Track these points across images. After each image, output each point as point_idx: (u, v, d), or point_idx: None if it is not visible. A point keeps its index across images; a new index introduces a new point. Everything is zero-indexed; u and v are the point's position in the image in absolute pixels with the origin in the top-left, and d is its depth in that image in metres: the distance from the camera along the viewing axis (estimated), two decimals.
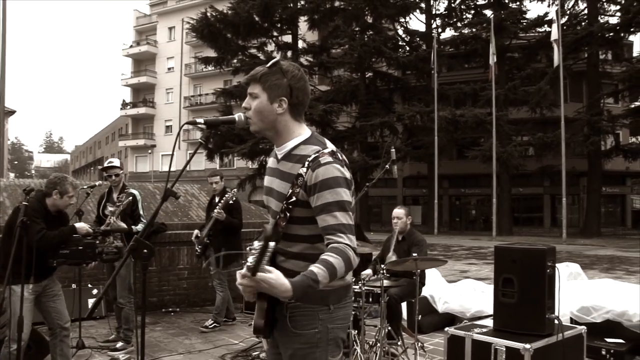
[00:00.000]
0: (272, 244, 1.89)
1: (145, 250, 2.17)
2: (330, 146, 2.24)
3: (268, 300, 2.12)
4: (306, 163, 2.16)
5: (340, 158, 2.22)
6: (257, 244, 1.94)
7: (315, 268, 1.99)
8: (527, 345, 3.90)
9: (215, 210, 6.69)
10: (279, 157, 2.30)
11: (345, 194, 2.14)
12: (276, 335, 2.26)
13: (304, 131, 2.30)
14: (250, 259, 1.93)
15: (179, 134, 2.44)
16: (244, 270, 1.94)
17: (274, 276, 1.93)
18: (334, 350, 2.25)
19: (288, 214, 2.18)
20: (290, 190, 2.17)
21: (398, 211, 5.81)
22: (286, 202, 2.18)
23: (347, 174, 2.20)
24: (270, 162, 2.39)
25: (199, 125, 2.25)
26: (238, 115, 2.26)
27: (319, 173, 2.11)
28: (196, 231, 7.13)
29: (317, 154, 2.16)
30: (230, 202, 6.79)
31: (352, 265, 2.09)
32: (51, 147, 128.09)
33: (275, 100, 2.21)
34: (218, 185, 7.08)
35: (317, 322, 2.18)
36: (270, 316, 2.16)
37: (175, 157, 46.35)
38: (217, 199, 7.04)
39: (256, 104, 2.22)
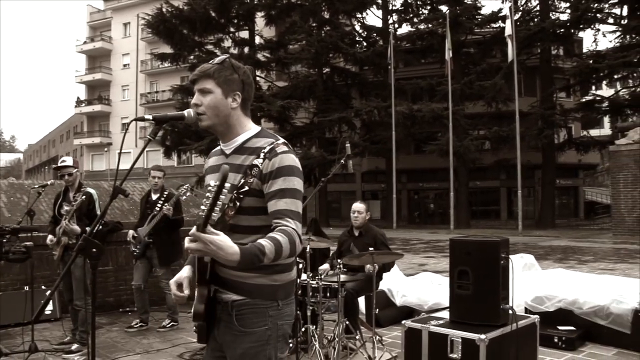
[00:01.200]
0: (227, 185, 1.89)
1: (94, 249, 2.12)
2: (282, 139, 2.27)
3: (209, 294, 2.15)
4: (261, 154, 2.18)
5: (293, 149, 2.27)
6: (211, 185, 1.86)
7: (263, 241, 2.00)
8: (482, 336, 3.96)
9: (165, 206, 6.54)
10: (228, 152, 2.30)
11: (298, 183, 2.19)
12: (219, 336, 2.25)
13: (253, 126, 2.34)
14: (202, 207, 1.88)
15: (127, 130, 2.41)
16: (193, 230, 1.88)
17: (222, 237, 1.90)
18: (282, 346, 2.27)
19: (238, 204, 2.17)
20: (243, 180, 2.17)
21: (359, 205, 5.82)
22: (237, 191, 2.17)
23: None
24: (213, 160, 2.39)
25: (148, 122, 2.23)
26: (187, 111, 2.24)
27: (276, 161, 2.15)
28: (131, 232, 6.86)
29: (272, 145, 2.20)
30: (184, 197, 6.69)
31: (296, 250, 2.11)
32: (2, 146, 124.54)
33: (230, 94, 2.24)
34: (160, 181, 6.89)
35: (267, 319, 2.18)
36: (210, 307, 2.16)
37: (131, 154, 45.70)
38: (154, 196, 6.86)
39: (210, 99, 2.22)
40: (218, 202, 1.86)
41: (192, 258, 2.31)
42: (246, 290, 2.16)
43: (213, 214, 1.87)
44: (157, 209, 6.65)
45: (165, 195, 6.79)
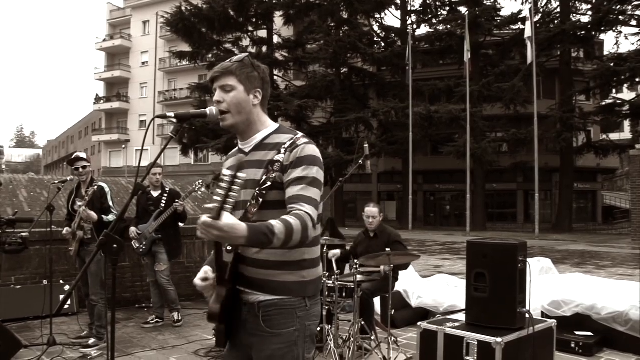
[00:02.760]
0: (242, 175, 1.83)
1: (114, 245, 2.14)
2: (301, 133, 2.27)
3: (228, 292, 2.13)
4: (282, 149, 2.18)
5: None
6: (226, 174, 1.81)
7: (273, 221, 1.95)
8: (499, 339, 3.94)
9: (176, 202, 6.68)
10: (248, 149, 2.30)
11: (318, 173, 2.17)
12: (245, 337, 2.22)
13: (271, 123, 2.35)
14: (216, 197, 1.81)
15: (148, 128, 2.42)
16: (205, 218, 1.81)
17: (229, 220, 1.84)
18: (310, 346, 2.26)
19: (261, 200, 2.15)
20: (265, 177, 2.16)
21: (373, 210, 5.70)
22: (259, 188, 2.16)
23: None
24: (232, 160, 2.40)
25: (170, 120, 2.24)
26: (209, 109, 2.25)
27: (297, 152, 2.16)
28: (133, 228, 6.88)
29: (292, 140, 2.20)
30: (199, 193, 6.91)
31: (309, 235, 2.05)
32: (22, 142, 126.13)
33: (251, 91, 2.26)
34: (160, 177, 7.03)
35: (295, 320, 2.17)
36: (228, 308, 2.14)
37: (149, 152, 45.98)
38: (155, 193, 6.94)
39: (233, 96, 2.24)
40: (232, 193, 1.80)
41: (211, 259, 2.32)
42: (274, 289, 2.13)
43: (226, 205, 1.81)
44: (163, 205, 6.77)
45: (167, 192, 6.92)
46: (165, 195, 6.86)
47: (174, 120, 2.23)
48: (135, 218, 7.09)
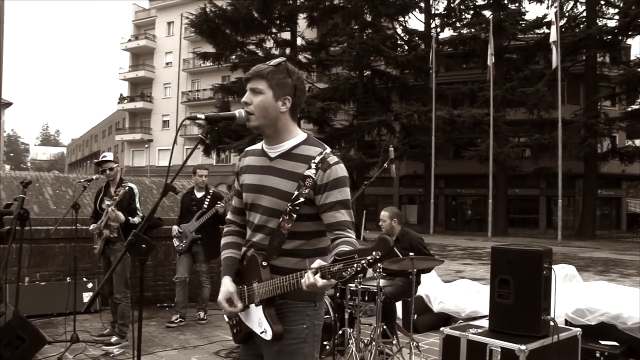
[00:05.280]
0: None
1: (143, 245, 2.15)
2: (328, 148, 2.32)
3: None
4: (312, 164, 2.21)
5: None
6: (365, 259, 1.80)
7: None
8: (522, 346, 3.90)
9: (219, 204, 6.88)
10: (273, 155, 2.31)
11: (349, 193, 2.25)
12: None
13: (300, 132, 2.35)
14: (345, 268, 1.83)
15: (178, 129, 2.43)
16: (321, 279, 1.87)
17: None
18: (317, 346, 2.33)
19: (294, 215, 2.21)
20: (297, 192, 2.20)
21: (383, 213, 5.80)
22: (292, 203, 2.20)
23: None
24: (252, 160, 2.40)
25: (199, 121, 2.25)
26: (239, 112, 2.26)
27: (330, 173, 2.20)
28: (175, 227, 7.11)
29: (322, 155, 2.23)
30: None
31: None
32: (47, 140, 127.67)
33: (280, 98, 2.25)
34: (206, 179, 7.22)
35: (305, 318, 2.25)
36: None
37: (170, 152, 46.26)
38: (198, 194, 7.17)
39: (260, 100, 2.24)
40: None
41: (230, 268, 2.43)
42: (286, 293, 2.16)
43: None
44: (205, 206, 6.98)
45: (211, 194, 7.14)
46: (209, 196, 7.09)
47: (204, 121, 2.24)
48: (178, 217, 7.37)
